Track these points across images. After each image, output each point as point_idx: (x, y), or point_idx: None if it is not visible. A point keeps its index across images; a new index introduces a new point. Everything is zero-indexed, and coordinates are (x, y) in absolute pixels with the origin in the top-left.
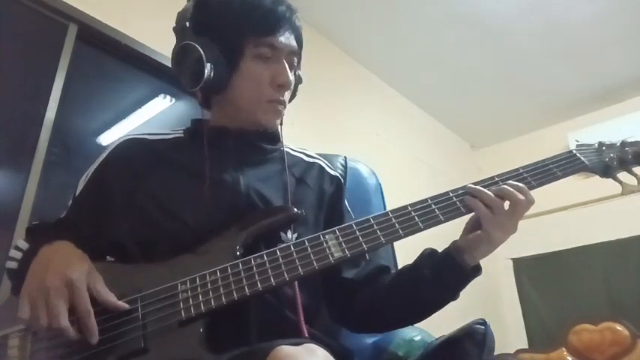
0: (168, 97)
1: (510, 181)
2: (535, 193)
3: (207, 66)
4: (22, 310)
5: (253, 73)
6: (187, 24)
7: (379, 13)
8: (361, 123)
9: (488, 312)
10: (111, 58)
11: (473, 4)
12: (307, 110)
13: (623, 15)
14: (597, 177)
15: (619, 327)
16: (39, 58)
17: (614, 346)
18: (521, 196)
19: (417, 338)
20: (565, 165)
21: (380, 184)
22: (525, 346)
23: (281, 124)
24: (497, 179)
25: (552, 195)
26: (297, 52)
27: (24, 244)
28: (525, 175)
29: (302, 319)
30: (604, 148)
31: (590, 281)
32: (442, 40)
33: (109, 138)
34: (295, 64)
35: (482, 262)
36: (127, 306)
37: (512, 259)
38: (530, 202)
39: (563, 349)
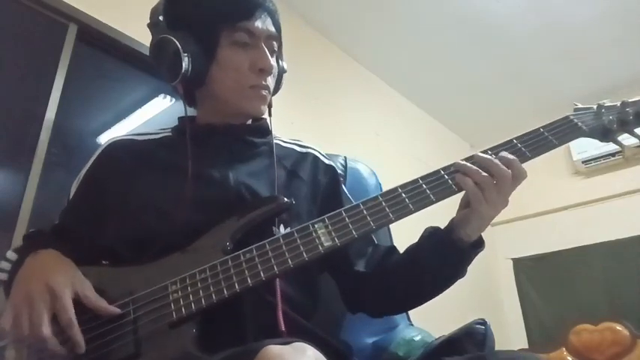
0: (168, 97)
1: (502, 154)
2: (535, 193)
3: (185, 58)
4: (4, 320)
5: (232, 61)
6: (161, 18)
7: (379, 13)
8: (361, 123)
9: (489, 312)
10: (111, 58)
11: (473, 4)
12: (307, 110)
13: (623, 15)
14: (598, 177)
15: (619, 327)
16: (39, 58)
17: (614, 346)
18: (507, 171)
19: (417, 338)
20: (561, 132)
21: (380, 184)
22: (525, 346)
23: (270, 115)
24: (489, 152)
25: (552, 195)
26: (276, 37)
27: (12, 255)
28: (519, 145)
29: (279, 308)
30: (603, 110)
31: (590, 281)
32: (442, 40)
33: (109, 138)
34: (276, 50)
35: (482, 263)
36: (118, 310)
37: (512, 259)
38: (519, 175)
39: (563, 349)
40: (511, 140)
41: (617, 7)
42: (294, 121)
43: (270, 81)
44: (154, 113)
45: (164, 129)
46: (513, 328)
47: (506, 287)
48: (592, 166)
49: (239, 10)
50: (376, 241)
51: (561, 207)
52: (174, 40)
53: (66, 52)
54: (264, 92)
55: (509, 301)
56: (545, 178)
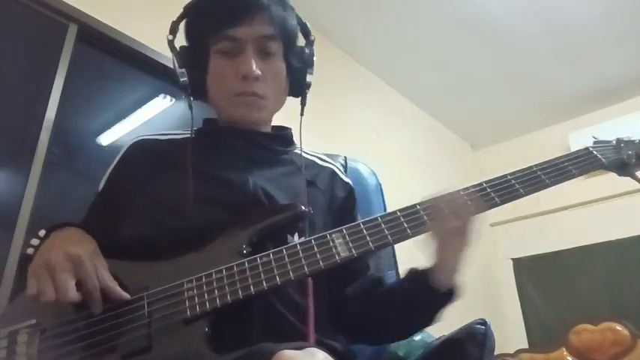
0: (168, 97)
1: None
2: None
3: (181, 73)
4: (29, 287)
5: (218, 70)
6: (170, 37)
7: (379, 13)
8: (361, 123)
9: (489, 312)
10: (111, 58)
11: (473, 4)
12: (307, 110)
13: (623, 15)
14: (598, 177)
15: (619, 327)
16: (39, 58)
17: (614, 346)
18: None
19: (417, 338)
20: (581, 163)
21: (380, 184)
22: (525, 346)
23: (300, 135)
24: (509, 177)
25: (552, 195)
26: (272, 36)
27: (43, 233)
28: (539, 173)
29: (311, 328)
30: (622, 144)
31: (590, 281)
32: (442, 40)
33: (109, 138)
34: (273, 51)
35: (482, 263)
36: (127, 296)
37: (512, 259)
38: (470, 213)
39: (564, 349)
40: (531, 167)
41: (617, 7)
42: (295, 121)
43: (261, 86)
44: (154, 113)
45: (187, 130)
46: (513, 328)
47: (507, 287)
48: None
49: (221, 19)
50: (371, 269)
51: (561, 207)
52: (174, 57)
53: (66, 52)
54: (250, 99)
55: (509, 301)
56: None
